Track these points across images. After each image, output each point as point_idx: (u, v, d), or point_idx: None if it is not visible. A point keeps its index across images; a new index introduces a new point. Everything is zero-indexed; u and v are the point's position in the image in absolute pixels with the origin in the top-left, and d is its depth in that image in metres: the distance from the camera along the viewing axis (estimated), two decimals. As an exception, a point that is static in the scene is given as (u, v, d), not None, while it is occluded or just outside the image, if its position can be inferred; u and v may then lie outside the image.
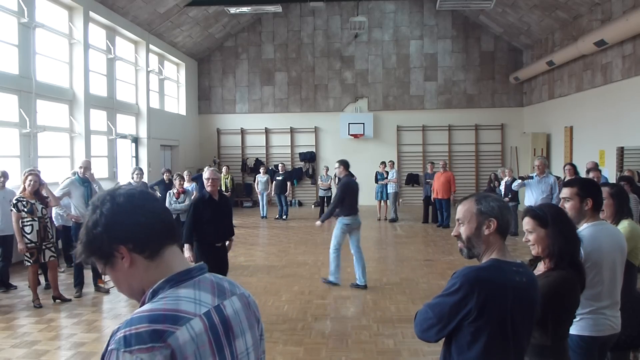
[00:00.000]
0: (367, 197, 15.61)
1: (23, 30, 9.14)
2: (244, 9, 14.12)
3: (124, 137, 13.08)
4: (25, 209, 6.15)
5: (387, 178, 13.54)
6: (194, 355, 1.14)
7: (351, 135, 16.91)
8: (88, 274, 6.98)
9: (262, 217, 14.41)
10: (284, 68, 17.56)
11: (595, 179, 6.21)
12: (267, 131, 17.68)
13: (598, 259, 2.64)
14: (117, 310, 6.17)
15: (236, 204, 16.53)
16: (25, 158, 9.02)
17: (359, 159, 16.33)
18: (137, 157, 13.84)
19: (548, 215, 2.38)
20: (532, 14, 13.47)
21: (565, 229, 2.36)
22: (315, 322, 5.57)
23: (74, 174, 7.65)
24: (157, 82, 15.35)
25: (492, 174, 12.75)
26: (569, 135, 12.95)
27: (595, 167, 7.83)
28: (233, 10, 14.11)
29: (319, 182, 15.10)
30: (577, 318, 2.54)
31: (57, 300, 6.39)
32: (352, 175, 7.30)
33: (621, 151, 10.33)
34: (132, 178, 9.38)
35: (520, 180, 8.73)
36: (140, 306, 1.21)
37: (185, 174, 9.65)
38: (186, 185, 9.02)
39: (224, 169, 14.09)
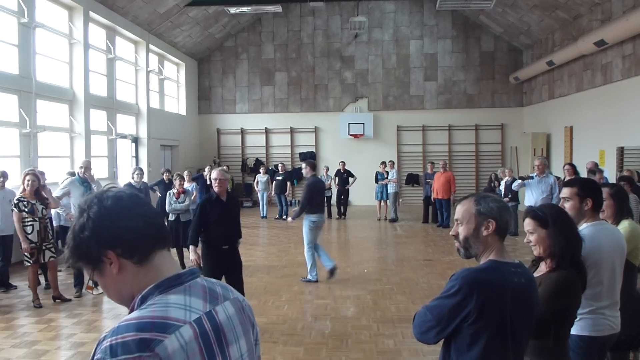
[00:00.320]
0: (367, 197, 15.66)
1: (23, 30, 9.14)
2: (244, 9, 14.12)
3: (124, 137, 13.08)
4: (26, 209, 6.16)
5: (387, 178, 13.54)
6: None
7: (351, 135, 16.91)
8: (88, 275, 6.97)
9: (262, 217, 14.41)
10: (284, 68, 17.57)
11: (599, 181, 6.20)
12: (267, 131, 17.68)
13: (597, 259, 2.64)
14: (117, 310, 6.16)
15: (236, 204, 16.50)
16: (25, 158, 9.02)
17: (359, 159, 16.38)
18: (137, 157, 13.85)
19: (548, 216, 2.38)
20: (532, 14, 13.47)
21: (566, 229, 2.36)
22: (315, 322, 5.57)
23: (72, 174, 7.65)
24: (157, 82, 15.35)
25: (492, 174, 12.75)
26: (569, 135, 12.95)
27: (598, 169, 7.82)
28: (233, 10, 14.12)
29: (319, 182, 15.07)
30: (577, 318, 2.54)
31: (57, 300, 6.39)
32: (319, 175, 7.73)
33: (621, 151, 10.33)
34: (133, 178, 9.39)
35: (520, 181, 8.73)
36: (130, 313, 1.17)
37: (185, 174, 9.65)
38: (186, 185, 9.02)
39: (224, 169, 14.06)
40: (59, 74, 10.50)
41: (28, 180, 6.20)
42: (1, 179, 6.90)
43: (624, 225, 3.23)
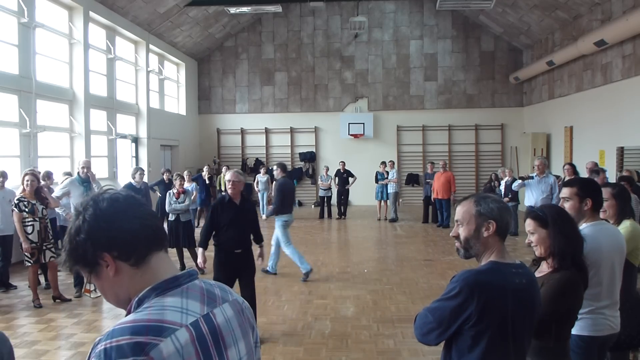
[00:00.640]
0: (367, 197, 15.67)
1: (23, 30, 9.14)
2: (244, 9, 14.12)
3: (124, 137, 13.08)
4: (27, 209, 6.16)
5: (387, 178, 13.54)
6: None
7: (351, 135, 16.91)
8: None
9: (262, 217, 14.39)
10: (284, 68, 17.56)
11: (602, 181, 6.19)
12: (267, 131, 17.68)
13: (597, 259, 2.64)
14: (117, 310, 6.16)
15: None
16: (25, 158, 9.02)
17: (359, 159, 16.38)
18: (137, 157, 13.85)
19: (548, 216, 2.38)
20: (532, 14, 13.47)
21: (566, 229, 2.36)
22: (315, 322, 5.57)
23: (68, 174, 7.64)
24: (157, 82, 15.35)
25: (492, 174, 12.75)
26: (569, 135, 12.95)
27: (601, 169, 7.81)
28: (233, 10, 14.11)
29: (319, 182, 15.10)
30: (577, 318, 2.54)
31: (57, 300, 6.39)
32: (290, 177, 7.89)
33: (621, 151, 10.33)
34: (134, 178, 9.39)
35: (520, 181, 8.73)
36: (126, 315, 1.15)
37: (185, 174, 9.64)
38: (186, 185, 9.02)
39: (223, 169, 14.09)
40: (59, 74, 10.50)
41: (27, 181, 6.20)
42: (1, 179, 6.90)
43: (625, 225, 3.23)
